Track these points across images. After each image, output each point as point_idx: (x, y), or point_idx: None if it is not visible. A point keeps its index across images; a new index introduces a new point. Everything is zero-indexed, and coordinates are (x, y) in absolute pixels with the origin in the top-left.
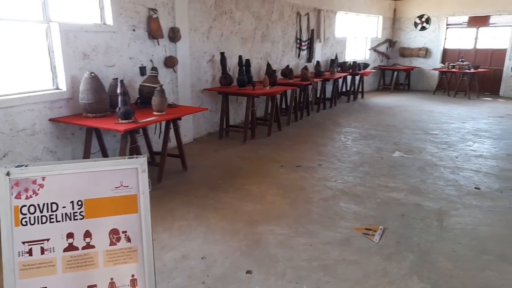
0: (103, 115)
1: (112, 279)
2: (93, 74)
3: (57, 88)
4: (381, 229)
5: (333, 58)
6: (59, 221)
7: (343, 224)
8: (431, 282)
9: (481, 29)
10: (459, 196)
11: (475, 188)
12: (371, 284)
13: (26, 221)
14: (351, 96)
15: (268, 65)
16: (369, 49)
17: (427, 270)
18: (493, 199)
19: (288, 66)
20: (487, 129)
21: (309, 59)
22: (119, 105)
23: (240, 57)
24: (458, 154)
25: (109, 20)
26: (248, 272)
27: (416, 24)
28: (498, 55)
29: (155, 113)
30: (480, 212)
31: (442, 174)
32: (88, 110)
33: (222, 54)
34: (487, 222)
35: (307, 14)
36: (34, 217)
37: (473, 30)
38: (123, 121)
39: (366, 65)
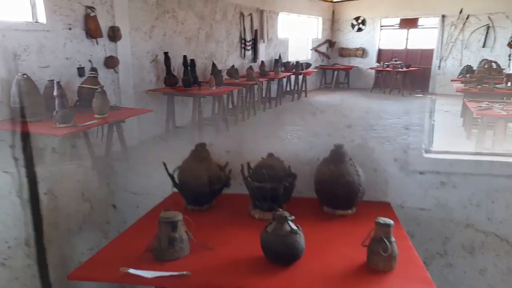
0: (38, 119)
1: None
2: (25, 76)
3: None
4: None
5: (277, 58)
6: None
7: None
8: None
9: (411, 30)
10: None
11: None
12: None
13: None
14: (295, 95)
15: (214, 65)
16: (311, 49)
17: None
18: None
19: (233, 66)
20: (419, 123)
21: (253, 59)
22: (57, 108)
23: (184, 57)
24: (395, 148)
25: (42, 18)
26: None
27: (353, 26)
28: (426, 55)
29: (96, 116)
30: None
31: None
32: (21, 114)
33: (166, 54)
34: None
35: (250, 14)
36: None
37: (404, 31)
38: (62, 125)
39: (308, 65)
